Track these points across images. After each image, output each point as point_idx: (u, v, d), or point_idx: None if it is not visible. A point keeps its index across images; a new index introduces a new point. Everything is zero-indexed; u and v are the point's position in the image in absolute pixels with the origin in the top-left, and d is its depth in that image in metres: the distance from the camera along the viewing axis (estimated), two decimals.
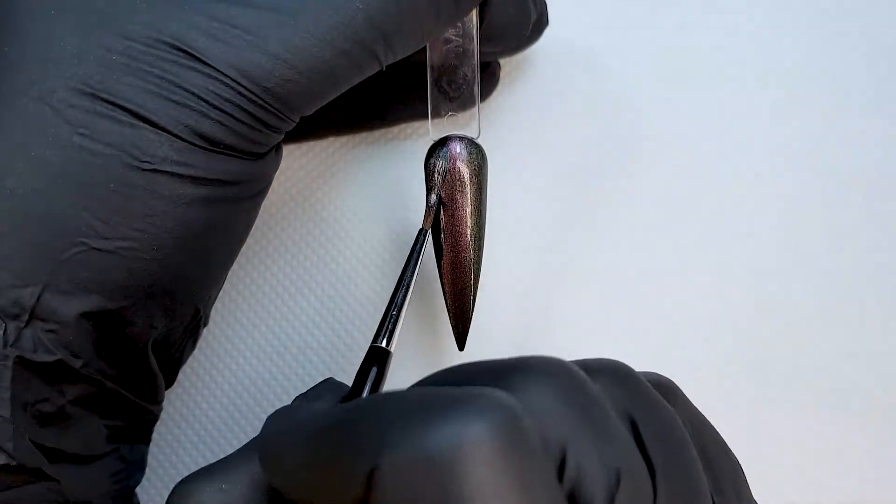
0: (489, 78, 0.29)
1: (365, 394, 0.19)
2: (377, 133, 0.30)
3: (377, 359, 0.20)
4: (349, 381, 0.28)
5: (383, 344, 0.20)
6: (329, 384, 0.20)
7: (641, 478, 0.14)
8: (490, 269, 0.27)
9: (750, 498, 0.17)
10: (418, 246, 0.23)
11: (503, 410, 0.12)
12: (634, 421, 0.14)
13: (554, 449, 0.13)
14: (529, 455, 0.12)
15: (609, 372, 0.15)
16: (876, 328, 0.28)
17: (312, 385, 0.20)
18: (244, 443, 0.27)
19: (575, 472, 0.13)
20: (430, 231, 0.24)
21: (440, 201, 0.24)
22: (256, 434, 0.26)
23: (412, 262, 0.23)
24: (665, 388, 0.17)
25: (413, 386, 0.15)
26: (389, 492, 0.12)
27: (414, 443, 0.12)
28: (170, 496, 0.17)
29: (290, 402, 0.19)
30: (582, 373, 0.14)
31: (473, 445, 0.12)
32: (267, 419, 0.17)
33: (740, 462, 0.18)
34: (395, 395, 0.14)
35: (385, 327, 0.21)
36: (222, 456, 0.27)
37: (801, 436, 0.28)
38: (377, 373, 0.20)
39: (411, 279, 0.22)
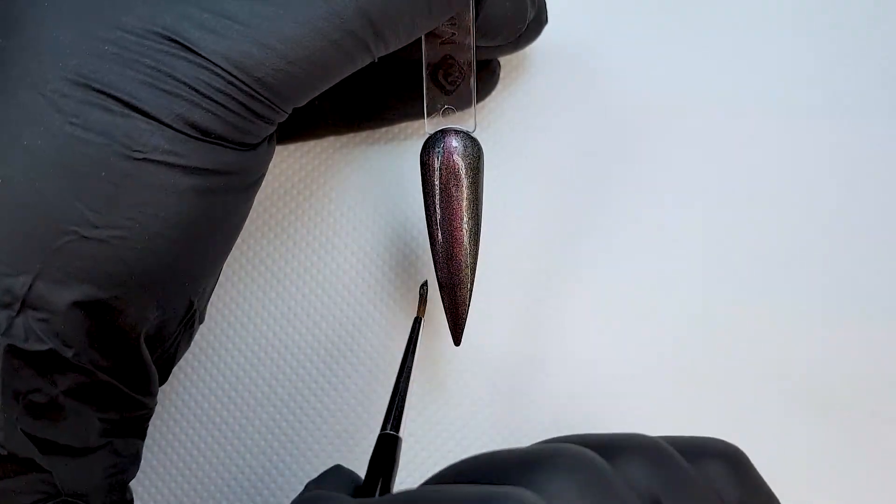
0: (489, 76, 0.29)
1: (378, 489, 0.21)
2: (377, 133, 0.30)
3: (388, 446, 0.21)
4: (345, 381, 0.28)
5: (391, 431, 0.22)
6: (341, 473, 0.21)
7: None
8: (486, 264, 0.27)
9: None
10: (414, 335, 0.24)
11: None
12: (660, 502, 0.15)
13: None
14: None
15: (638, 451, 0.16)
16: (871, 331, 0.28)
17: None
18: (241, 440, 0.27)
19: None
20: (423, 319, 0.25)
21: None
22: (250, 446, 0.26)
23: (410, 351, 0.24)
24: (733, 461, 0.17)
25: (449, 469, 0.16)
26: None
27: None
28: None
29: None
30: (605, 465, 0.15)
31: None
32: None
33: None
34: (436, 494, 0.15)
35: (392, 415, 0.22)
36: (218, 450, 0.27)
37: (788, 437, 0.27)
38: (390, 460, 0.21)
39: (411, 367, 0.24)
